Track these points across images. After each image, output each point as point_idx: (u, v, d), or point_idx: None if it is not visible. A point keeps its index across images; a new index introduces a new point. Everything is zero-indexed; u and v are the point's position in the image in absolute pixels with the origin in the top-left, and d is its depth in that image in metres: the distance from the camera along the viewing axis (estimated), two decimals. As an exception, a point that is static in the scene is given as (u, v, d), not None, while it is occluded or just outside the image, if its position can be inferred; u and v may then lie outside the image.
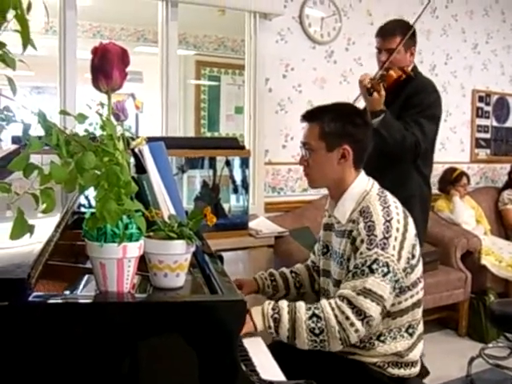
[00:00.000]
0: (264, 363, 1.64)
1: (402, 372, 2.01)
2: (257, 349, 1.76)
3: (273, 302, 1.93)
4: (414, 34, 3.16)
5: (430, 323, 3.73)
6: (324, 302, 1.89)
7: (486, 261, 4.48)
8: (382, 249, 1.89)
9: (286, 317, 1.87)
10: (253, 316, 1.88)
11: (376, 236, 1.90)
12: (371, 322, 1.86)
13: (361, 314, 1.84)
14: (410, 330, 2.01)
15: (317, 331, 1.85)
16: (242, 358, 1.56)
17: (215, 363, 1.24)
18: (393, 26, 3.19)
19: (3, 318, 1.09)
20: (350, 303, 1.85)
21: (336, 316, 1.84)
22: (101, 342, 1.17)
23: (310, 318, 1.86)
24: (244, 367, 1.37)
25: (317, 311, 1.87)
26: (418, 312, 2.06)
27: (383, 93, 2.92)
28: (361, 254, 1.90)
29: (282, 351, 1.83)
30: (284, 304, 1.91)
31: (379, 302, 1.86)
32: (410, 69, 3.12)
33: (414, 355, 2.04)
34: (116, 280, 1.23)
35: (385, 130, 2.88)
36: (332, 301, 1.88)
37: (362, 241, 1.91)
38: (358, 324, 1.84)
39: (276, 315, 1.88)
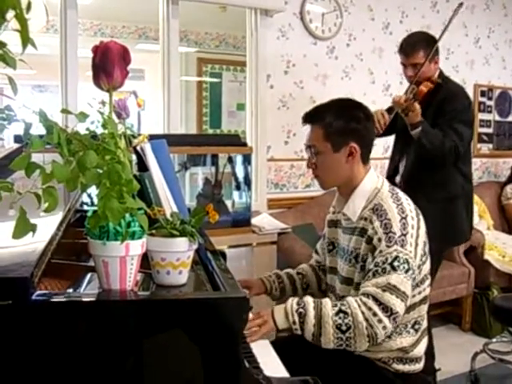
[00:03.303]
0: (267, 360, 1.64)
1: (406, 368, 2.00)
2: (260, 345, 1.76)
3: (297, 298, 1.90)
4: (435, 44, 3.22)
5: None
6: (350, 298, 1.87)
7: (489, 256, 4.48)
8: (402, 246, 1.87)
9: (311, 312, 1.84)
10: (275, 315, 1.86)
11: (394, 233, 1.88)
12: (397, 319, 1.85)
13: (387, 310, 1.82)
14: (416, 326, 2.01)
15: (344, 328, 1.82)
16: (246, 354, 1.56)
17: (219, 360, 1.24)
18: (414, 40, 3.24)
19: (7, 316, 1.10)
20: (375, 300, 1.83)
21: (363, 312, 1.82)
22: (104, 340, 1.17)
23: (337, 313, 1.83)
24: (247, 364, 1.38)
25: (343, 307, 1.84)
26: (424, 308, 2.05)
27: (418, 108, 3.04)
28: (380, 252, 1.88)
29: (285, 348, 1.83)
30: (309, 299, 1.88)
31: (403, 298, 1.85)
32: (436, 76, 3.22)
33: (419, 351, 2.03)
34: (119, 278, 1.24)
35: (425, 138, 3.03)
36: (357, 297, 1.86)
37: (380, 239, 1.89)
38: (386, 320, 1.82)
39: (301, 310, 1.85)
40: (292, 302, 1.88)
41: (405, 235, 1.89)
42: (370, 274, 1.89)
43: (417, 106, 3.04)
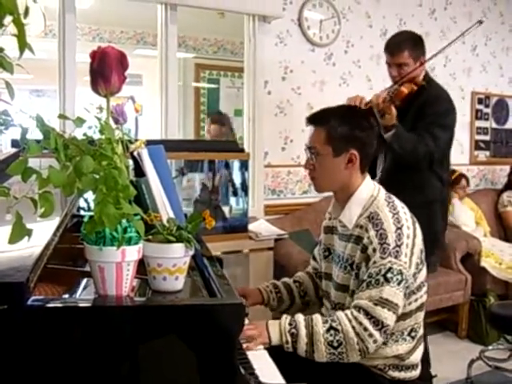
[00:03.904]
0: (263, 366, 1.64)
1: (402, 375, 2.00)
2: (256, 352, 1.76)
3: (289, 317, 1.92)
4: (422, 44, 3.18)
5: (429, 325, 3.72)
6: (340, 313, 1.89)
7: (485, 263, 4.48)
8: (396, 257, 1.87)
9: (303, 331, 1.86)
10: (269, 329, 1.87)
11: (389, 244, 1.88)
12: (388, 331, 1.87)
13: (378, 324, 1.84)
14: (413, 334, 2.01)
15: (335, 344, 1.84)
16: (241, 361, 1.56)
17: (214, 366, 1.23)
18: (399, 39, 3.19)
19: (2, 321, 1.09)
20: (367, 314, 1.84)
21: (354, 327, 1.83)
22: (100, 345, 1.17)
23: (328, 330, 1.85)
24: (243, 370, 1.38)
25: (334, 324, 1.86)
26: (421, 315, 2.05)
27: (394, 112, 2.96)
28: (374, 263, 1.89)
29: (281, 354, 1.82)
30: (300, 318, 1.90)
31: (395, 310, 1.86)
32: (421, 77, 3.15)
33: (415, 358, 2.03)
34: (115, 284, 1.24)
35: (397, 143, 2.95)
36: (348, 312, 1.87)
37: (375, 250, 1.90)
38: (377, 334, 1.84)
39: (293, 330, 1.87)
40: (285, 321, 1.90)
41: (399, 246, 1.89)
42: (363, 284, 1.90)
43: (393, 109, 2.96)
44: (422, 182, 3.10)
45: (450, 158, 3.28)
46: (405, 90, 3.05)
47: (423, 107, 3.06)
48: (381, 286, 1.85)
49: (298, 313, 1.97)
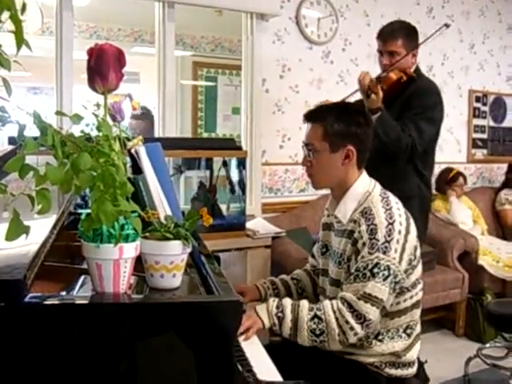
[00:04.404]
0: (261, 364, 1.64)
1: (399, 372, 2.01)
2: (253, 349, 1.76)
3: (277, 300, 1.96)
4: (415, 35, 3.13)
5: (426, 323, 3.73)
6: (326, 303, 1.92)
7: (483, 261, 4.48)
8: (384, 252, 1.89)
9: (288, 316, 1.91)
10: (260, 314, 1.92)
11: (378, 240, 1.90)
12: (370, 325, 1.89)
13: (360, 317, 1.87)
14: (408, 331, 2.02)
15: (317, 332, 1.89)
16: (239, 358, 1.56)
17: (212, 364, 1.23)
18: (393, 27, 3.14)
19: (-1, 319, 1.09)
20: (350, 307, 1.88)
21: (337, 319, 1.87)
22: (97, 342, 1.17)
23: (312, 319, 1.89)
24: (241, 368, 1.38)
25: (319, 313, 1.90)
26: (417, 313, 2.06)
27: (381, 94, 2.91)
28: (362, 257, 1.91)
29: (278, 352, 1.83)
30: (287, 303, 1.95)
31: (379, 305, 1.88)
32: (412, 70, 3.10)
33: (411, 355, 2.04)
34: (112, 281, 1.23)
35: (380, 127, 2.85)
36: (334, 302, 1.91)
37: (364, 244, 1.92)
38: (358, 328, 1.87)
39: (280, 314, 1.92)
40: (272, 305, 1.95)
41: (389, 242, 1.90)
42: (351, 277, 1.93)
43: (380, 90, 2.90)
44: (401, 175, 3.01)
45: (435, 156, 3.20)
46: (393, 76, 3.01)
47: (410, 98, 3.01)
48: (367, 280, 1.88)
49: (286, 297, 2.01)
